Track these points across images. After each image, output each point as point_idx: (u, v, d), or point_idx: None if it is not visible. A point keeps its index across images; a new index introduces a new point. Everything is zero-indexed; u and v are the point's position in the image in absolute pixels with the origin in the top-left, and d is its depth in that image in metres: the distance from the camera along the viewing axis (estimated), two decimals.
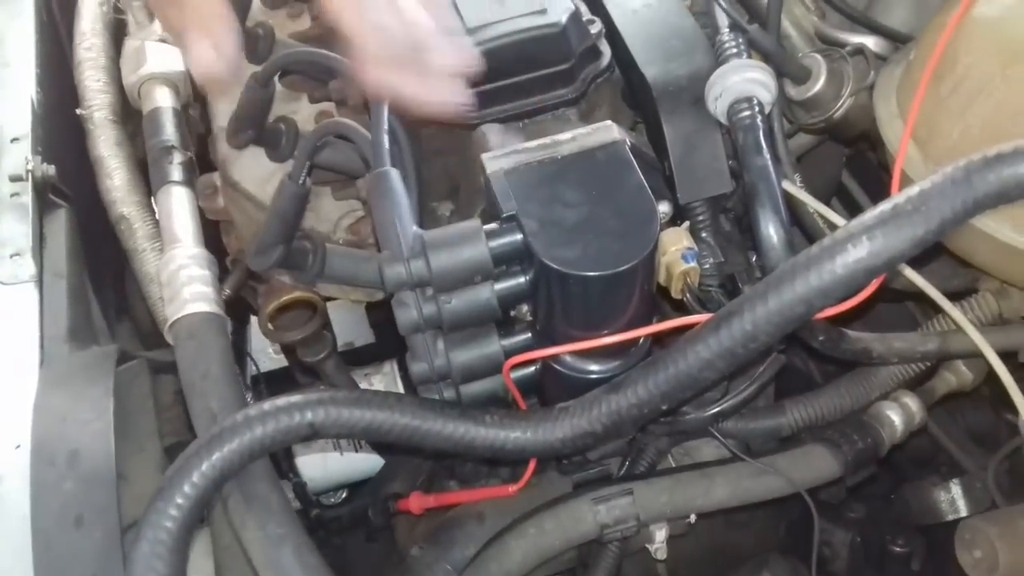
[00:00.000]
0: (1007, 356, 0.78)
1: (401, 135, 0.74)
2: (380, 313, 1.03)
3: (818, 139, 0.89)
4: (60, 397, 0.75)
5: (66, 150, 0.99)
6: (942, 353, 0.77)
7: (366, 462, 1.07)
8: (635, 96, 0.76)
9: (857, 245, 0.54)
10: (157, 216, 0.82)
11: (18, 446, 0.71)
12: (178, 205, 0.77)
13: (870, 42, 0.82)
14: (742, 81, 0.67)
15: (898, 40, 0.85)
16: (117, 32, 1.07)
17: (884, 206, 0.56)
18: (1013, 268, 0.71)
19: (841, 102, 0.78)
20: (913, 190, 0.57)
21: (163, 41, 0.88)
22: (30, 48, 1.02)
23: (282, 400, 0.64)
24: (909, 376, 0.86)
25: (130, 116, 1.03)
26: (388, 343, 1.12)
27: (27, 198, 0.89)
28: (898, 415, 0.83)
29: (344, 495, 1.15)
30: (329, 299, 0.83)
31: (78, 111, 1.00)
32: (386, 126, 0.66)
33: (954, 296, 0.82)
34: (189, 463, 0.61)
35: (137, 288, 1.02)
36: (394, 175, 0.65)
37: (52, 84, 1.02)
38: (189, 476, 0.60)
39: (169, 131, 0.82)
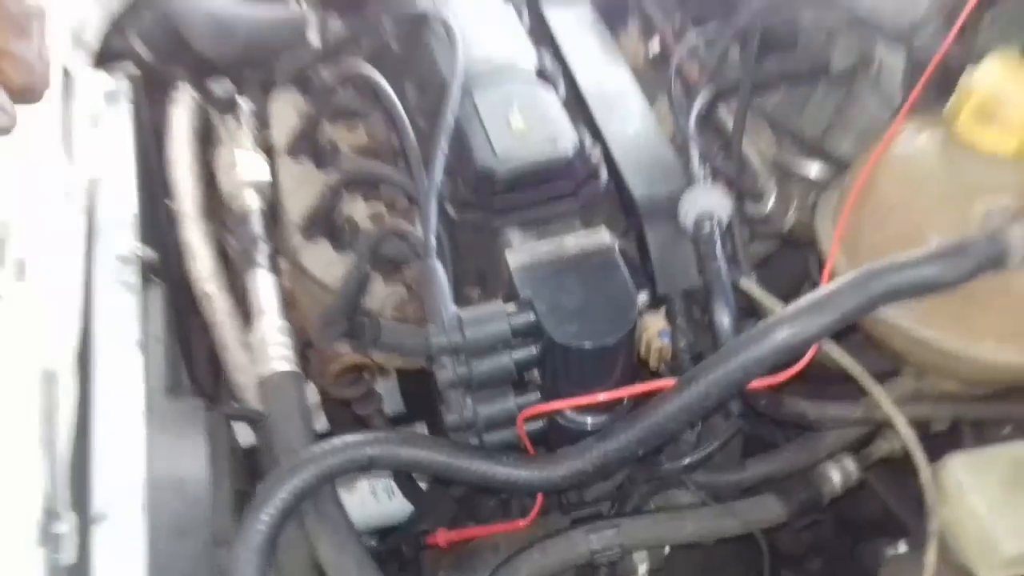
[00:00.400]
0: (921, 426, 0.96)
1: (443, 235, 0.95)
2: (409, 385, 1.21)
3: (777, 244, 1.09)
4: (166, 437, 0.93)
5: (157, 235, 1.20)
6: (866, 419, 0.95)
7: (396, 509, 1.24)
8: (625, 208, 0.96)
9: (780, 330, 0.73)
10: (245, 293, 1.02)
11: (134, 476, 0.89)
12: (264, 285, 0.96)
13: (815, 170, 1.02)
14: (703, 202, 0.87)
15: (842, 167, 1.06)
16: (203, 135, 1.28)
17: (803, 300, 0.76)
18: (918, 354, 0.89)
19: (788, 218, 0.98)
20: (826, 288, 0.76)
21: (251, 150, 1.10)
22: (130, 150, 1.23)
23: (348, 437, 0.82)
24: (851, 441, 1.04)
25: (212, 209, 1.24)
26: (416, 412, 1.30)
27: (134, 277, 1.09)
28: (837, 473, 1.00)
29: (373, 543, 1.31)
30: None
31: (169, 204, 1.21)
32: (434, 228, 0.86)
33: (885, 376, 1.00)
34: (276, 484, 0.79)
35: (200, 353, 1.21)
36: (439, 267, 0.85)
37: (147, 180, 1.23)
38: (278, 492, 0.77)
39: (257, 227, 1.02)
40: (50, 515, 0.80)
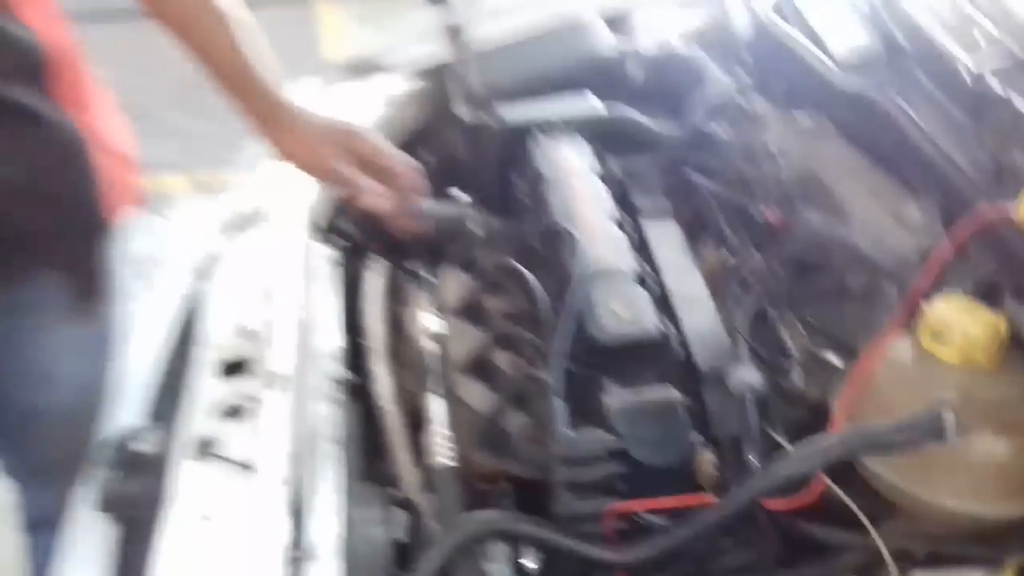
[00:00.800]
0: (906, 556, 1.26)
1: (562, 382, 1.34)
2: (520, 494, 1.56)
3: (808, 412, 1.44)
4: (357, 507, 1.27)
5: (353, 364, 1.62)
6: (863, 546, 1.26)
7: None
8: (692, 376, 1.32)
9: (785, 465, 1.08)
10: (416, 412, 1.42)
11: (335, 530, 1.16)
12: (435, 405, 1.33)
13: (836, 359, 1.38)
14: (744, 376, 1.25)
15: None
16: (390, 294, 1.68)
17: (803, 446, 1.11)
18: (901, 501, 1.17)
19: (813, 392, 1.33)
20: (820, 440, 1.12)
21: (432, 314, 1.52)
22: (339, 301, 1.53)
23: (488, 513, 1.19)
24: (856, 565, 1.34)
25: (392, 348, 1.65)
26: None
27: (338, 394, 1.39)
28: None
29: None
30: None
31: (363, 342, 1.63)
32: (561, 378, 1.27)
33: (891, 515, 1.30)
34: (444, 539, 1.15)
35: None
36: (561, 403, 1.23)
37: (349, 323, 1.66)
38: (445, 544, 1.13)
39: (431, 365, 1.43)
40: (292, 546, 1.19)
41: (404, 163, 1.46)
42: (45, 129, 1.25)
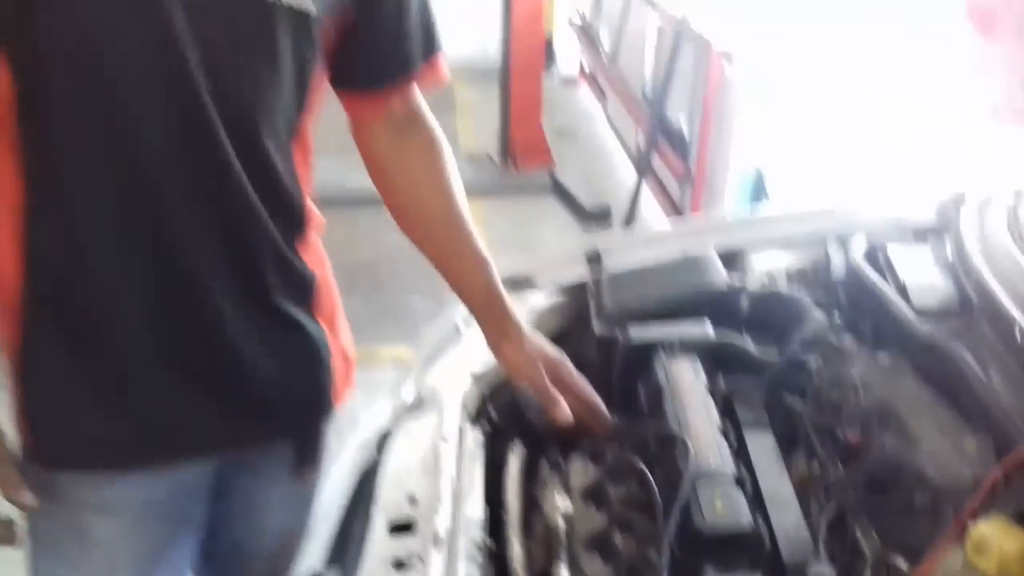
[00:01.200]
0: None
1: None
2: None
3: None
4: None
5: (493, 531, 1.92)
6: None
7: None
8: (777, 563, 1.59)
9: None
10: None
11: None
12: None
13: (900, 561, 1.62)
14: (820, 571, 1.50)
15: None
16: (526, 472, 2.01)
17: None
18: None
19: None
20: None
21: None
22: (481, 476, 1.81)
23: None
24: None
25: (525, 519, 1.96)
26: None
27: (480, 557, 1.62)
28: None
29: None
30: None
31: (501, 512, 1.94)
32: (667, 560, 1.54)
33: None
34: None
35: None
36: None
37: (489, 495, 1.95)
38: None
39: (562, 540, 1.72)
40: None
41: (591, 392, 1.84)
42: (306, 338, 1.68)
